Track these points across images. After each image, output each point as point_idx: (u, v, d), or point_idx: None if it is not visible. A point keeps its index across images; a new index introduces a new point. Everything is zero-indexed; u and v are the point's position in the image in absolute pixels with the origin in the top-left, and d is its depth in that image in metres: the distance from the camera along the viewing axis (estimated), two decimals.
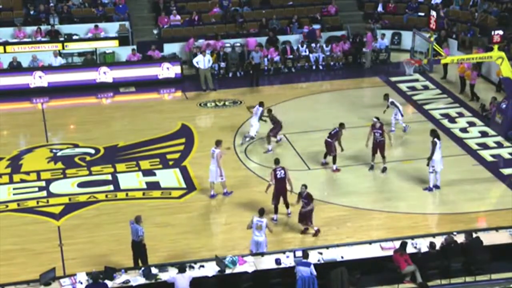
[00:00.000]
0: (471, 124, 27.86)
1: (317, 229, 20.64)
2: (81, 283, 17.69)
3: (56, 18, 34.21)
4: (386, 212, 22.04)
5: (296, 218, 20.94)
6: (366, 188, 23.50)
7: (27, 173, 24.45)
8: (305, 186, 20.59)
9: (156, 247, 19.89)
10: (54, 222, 21.67)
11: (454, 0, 36.12)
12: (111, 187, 23.54)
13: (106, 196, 23.08)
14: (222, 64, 33.10)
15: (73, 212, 22.15)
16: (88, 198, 22.92)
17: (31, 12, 34.57)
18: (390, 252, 18.73)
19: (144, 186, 23.63)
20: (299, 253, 18.26)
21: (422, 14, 35.68)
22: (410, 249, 18.74)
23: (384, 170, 24.15)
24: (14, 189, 23.54)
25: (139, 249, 18.88)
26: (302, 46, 33.86)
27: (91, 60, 32.49)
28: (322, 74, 33.61)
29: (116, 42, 33.72)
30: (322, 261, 18.56)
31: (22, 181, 24.02)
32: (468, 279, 18.83)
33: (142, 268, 18.18)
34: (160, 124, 28.04)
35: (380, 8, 36.80)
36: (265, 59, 33.07)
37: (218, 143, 22.60)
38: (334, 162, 24.26)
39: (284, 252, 18.90)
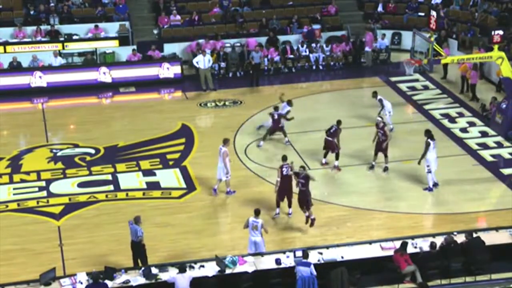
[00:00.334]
0: (471, 124, 27.86)
1: (313, 218, 20.61)
2: (81, 283, 17.69)
3: (56, 18, 34.21)
4: (386, 212, 22.04)
5: (297, 218, 20.93)
6: (366, 188, 23.50)
7: (27, 173, 24.45)
8: (303, 167, 20.73)
9: (156, 247, 19.89)
10: (54, 222, 21.67)
11: (454, 0, 36.13)
12: (111, 187, 23.54)
13: (106, 196, 23.08)
14: (222, 64, 33.11)
15: (73, 212, 22.14)
16: (88, 198, 22.92)
17: (31, 12, 34.57)
18: (390, 252, 18.73)
19: (144, 186, 23.63)
20: (299, 253, 18.26)
21: (422, 14, 35.69)
22: (410, 249, 18.74)
23: (385, 169, 24.15)
24: (14, 189, 23.54)
25: (138, 249, 18.87)
26: (302, 46, 33.87)
27: (91, 60, 32.49)
28: (322, 74, 33.62)
29: (116, 42, 33.73)
30: (322, 261, 18.55)
31: (22, 181, 24.02)
32: (468, 279, 18.83)
33: (142, 268, 18.18)
34: (160, 124, 28.04)
35: (380, 8, 36.81)
36: (265, 59, 33.08)
37: (225, 141, 22.71)
38: (336, 158, 24.30)
39: (284, 252, 18.90)
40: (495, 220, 21.30)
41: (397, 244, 18.92)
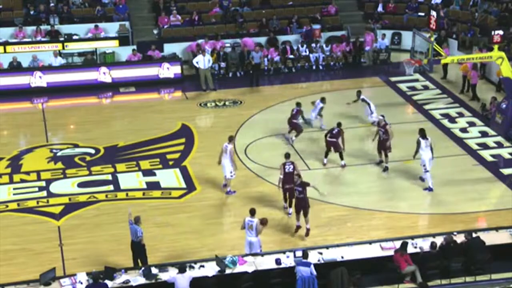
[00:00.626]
0: (471, 124, 27.86)
1: (308, 228, 20.53)
2: (81, 283, 17.69)
3: (56, 18, 34.20)
4: (387, 212, 22.04)
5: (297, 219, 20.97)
6: (367, 188, 23.50)
7: (27, 173, 24.45)
8: (298, 175, 20.74)
9: (156, 247, 19.89)
10: (54, 222, 21.66)
11: (454, 0, 36.13)
12: (111, 187, 23.54)
13: (106, 196, 23.08)
14: (222, 64, 33.10)
15: (73, 212, 22.14)
16: (88, 198, 22.92)
17: (31, 12, 34.57)
18: (390, 252, 18.73)
19: (144, 186, 23.63)
20: (299, 253, 18.27)
21: (422, 14, 35.69)
22: (410, 249, 18.73)
23: (385, 169, 24.17)
24: (14, 189, 23.54)
25: (138, 249, 18.87)
26: (302, 46, 33.87)
27: (91, 60, 32.49)
28: (322, 74, 33.62)
29: (116, 42, 33.73)
30: (322, 261, 18.56)
31: (22, 181, 24.02)
32: (468, 279, 18.83)
33: (142, 268, 18.18)
34: (160, 124, 28.04)
35: (380, 8, 36.81)
36: (265, 59, 33.07)
37: (230, 139, 22.80)
38: (341, 158, 24.33)
39: (284, 252, 18.90)
40: (495, 220, 21.29)
41: (397, 244, 18.92)
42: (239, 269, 18.32)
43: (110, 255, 19.72)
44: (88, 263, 19.28)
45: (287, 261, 18.48)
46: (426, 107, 29.38)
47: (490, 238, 19.35)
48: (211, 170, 24.02)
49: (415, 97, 30.43)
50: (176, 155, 25.56)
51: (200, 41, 33.43)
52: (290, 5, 36.81)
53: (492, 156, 25.36)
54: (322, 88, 31.93)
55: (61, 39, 33.37)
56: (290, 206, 21.60)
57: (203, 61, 31.16)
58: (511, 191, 23.14)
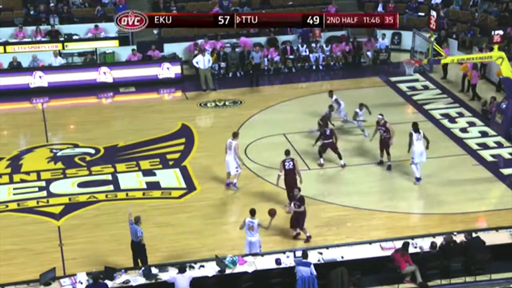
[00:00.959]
0: (471, 124, 27.85)
1: (309, 235, 20.42)
2: (81, 283, 17.70)
3: (56, 18, 34.19)
4: (387, 212, 22.04)
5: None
6: (367, 188, 23.50)
7: (27, 173, 24.45)
8: (298, 189, 20.50)
9: (156, 247, 19.89)
10: (54, 222, 21.66)
11: (454, 0, 36.12)
12: (111, 187, 23.54)
13: (106, 196, 23.08)
14: (222, 64, 33.09)
15: (73, 212, 22.14)
16: (88, 198, 22.92)
17: (31, 12, 34.55)
18: (390, 252, 18.73)
19: (144, 186, 23.63)
20: (299, 253, 18.27)
21: (422, 14, 35.68)
22: (410, 249, 18.72)
23: (389, 168, 24.17)
24: (14, 189, 23.54)
25: (138, 249, 18.87)
26: (302, 46, 33.87)
27: (91, 60, 32.48)
28: (322, 74, 33.60)
29: (116, 42, 33.71)
30: (322, 261, 18.56)
31: (22, 181, 24.02)
32: (468, 279, 18.84)
33: (142, 268, 18.19)
34: (160, 124, 28.03)
35: (380, 8, 36.74)
36: (265, 59, 33.07)
37: (235, 135, 22.86)
38: (340, 158, 24.33)
39: (284, 252, 18.91)
40: (495, 220, 21.29)
41: (397, 244, 18.93)
42: (239, 269, 18.33)
43: (110, 255, 19.72)
44: (88, 263, 19.28)
45: (287, 261, 18.48)
46: (426, 107, 29.37)
47: (490, 238, 19.36)
48: (211, 170, 24.03)
49: (415, 97, 30.42)
50: (176, 155, 25.56)
51: (199, 41, 33.45)
52: (290, 5, 36.80)
53: (492, 156, 25.38)
54: (322, 88, 31.88)
55: (61, 39, 33.34)
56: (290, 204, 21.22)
57: (203, 61, 31.15)
58: (511, 191, 23.13)
